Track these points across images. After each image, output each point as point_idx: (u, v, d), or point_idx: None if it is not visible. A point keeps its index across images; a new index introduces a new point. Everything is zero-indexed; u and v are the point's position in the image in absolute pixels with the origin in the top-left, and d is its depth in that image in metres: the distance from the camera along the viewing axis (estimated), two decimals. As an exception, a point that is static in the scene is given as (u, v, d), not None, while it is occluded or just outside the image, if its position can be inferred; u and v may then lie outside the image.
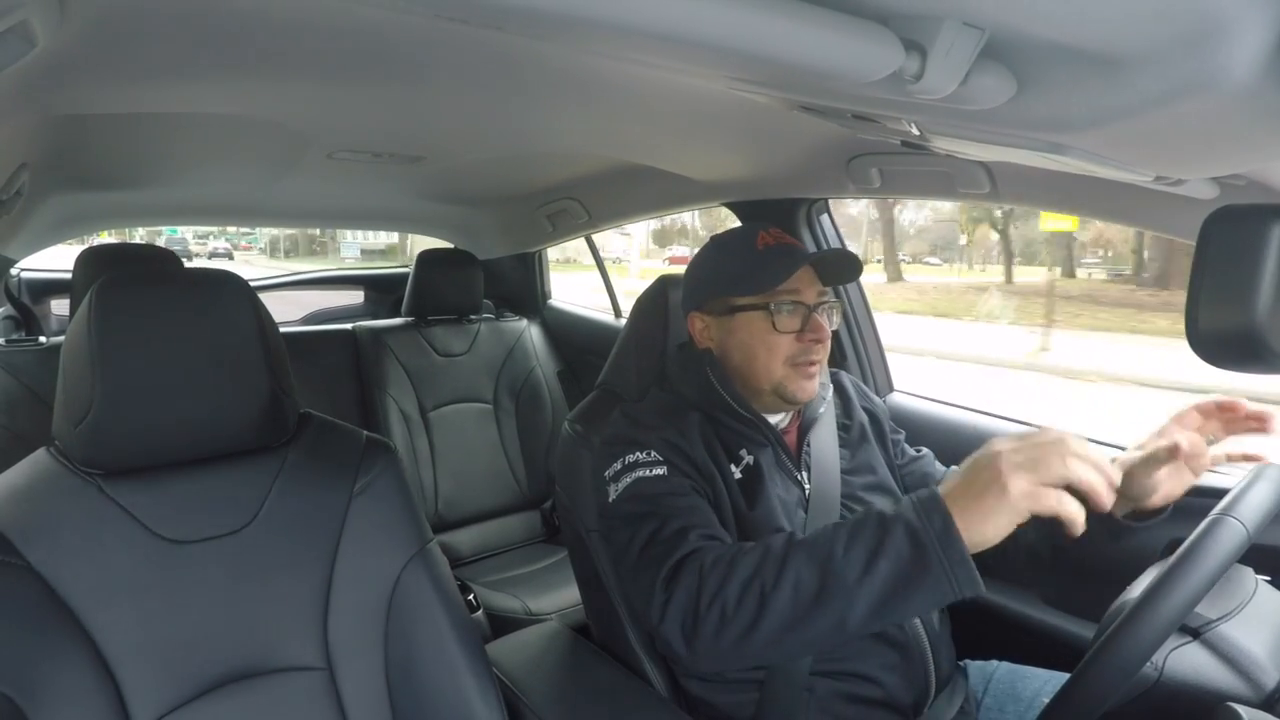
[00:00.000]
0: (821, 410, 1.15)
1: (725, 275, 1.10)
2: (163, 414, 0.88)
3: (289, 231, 28.36)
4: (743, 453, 1.07)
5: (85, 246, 1.92)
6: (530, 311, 2.83)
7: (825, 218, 1.77)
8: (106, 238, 3.37)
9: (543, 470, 2.47)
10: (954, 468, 1.27)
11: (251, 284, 0.99)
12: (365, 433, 1.08)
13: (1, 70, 0.72)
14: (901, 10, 0.53)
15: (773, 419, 1.11)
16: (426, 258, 2.49)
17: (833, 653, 1.01)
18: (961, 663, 1.18)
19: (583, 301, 2.87)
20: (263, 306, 0.97)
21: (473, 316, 2.56)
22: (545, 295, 2.93)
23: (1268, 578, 0.98)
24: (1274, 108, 0.52)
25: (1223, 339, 0.60)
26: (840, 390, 1.24)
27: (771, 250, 1.07)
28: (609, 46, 0.71)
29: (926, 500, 0.75)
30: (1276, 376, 0.60)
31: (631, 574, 0.95)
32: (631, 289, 1.87)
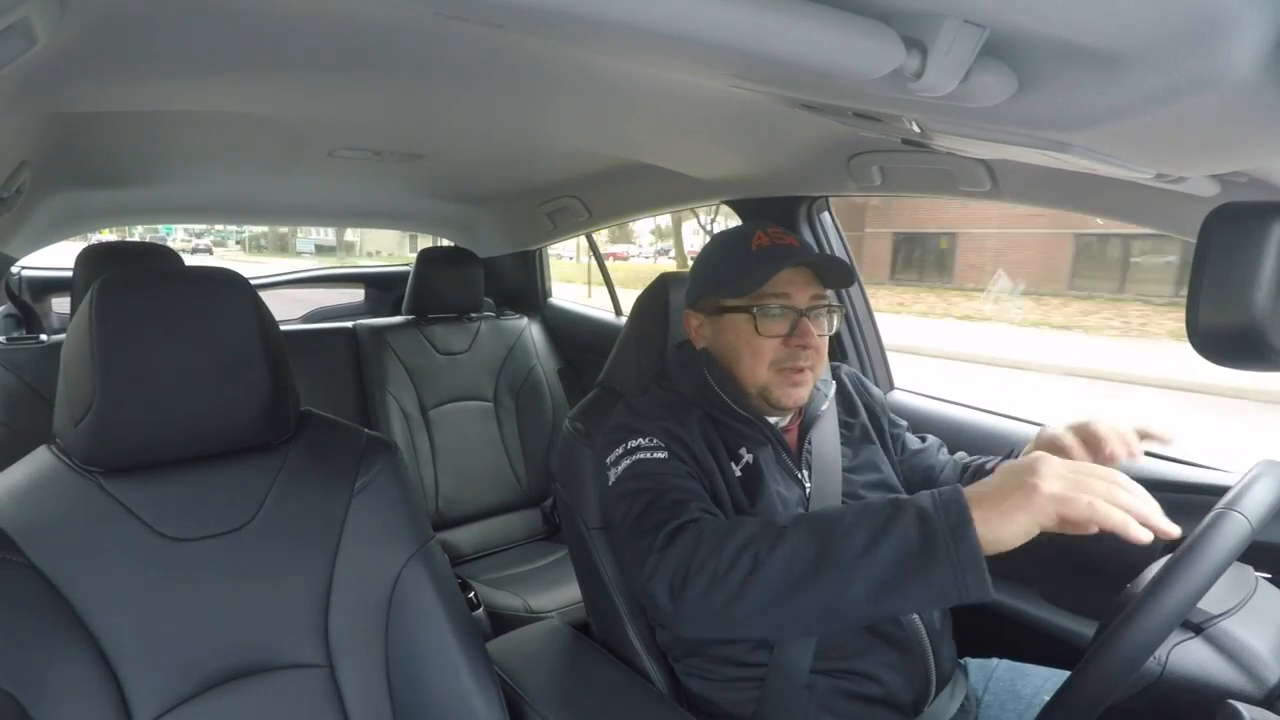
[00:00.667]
0: (824, 408, 1.14)
1: (716, 274, 1.10)
2: (163, 412, 0.88)
3: (263, 229, 28.38)
4: (742, 451, 1.07)
5: (86, 244, 1.92)
6: (531, 309, 2.83)
7: (826, 215, 1.77)
8: (108, 235, 3.37)
9: (543, 468, 2.47)
10: (961, 453, 1.27)
11: (252, 282, 0.99)
12: (366, 431, 1.08)
13: (2, 67, 0.72)
14: (902, 8, 0.53)
15: (772, 418, 1.11)
16: (427, 256, 2.49)
17: (833, 650, 1.01)
18: (962, 660, 1.18)
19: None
20: (263, 304, 0.97)
21: (473, 314, 2.56)
22: (546, 293, 2.93)
23: (1268, 575, 0.98)
24: (1275, 105, 0.52)
25: (1223, 336, 0.60)
26: (841, 387, 1.24)
27: (764, 251, 1.06)
28: (610, 45, 0.71)
29: (947, 493, 0.73)
30: (1277, 374, 0.60)
31: (627, 540, 0.94)
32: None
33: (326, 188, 2.15)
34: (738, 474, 1.05)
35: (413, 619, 0.99)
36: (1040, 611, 1.35)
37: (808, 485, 1.09)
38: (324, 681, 0.94)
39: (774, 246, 1.06)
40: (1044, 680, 1.12)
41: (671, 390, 1.15)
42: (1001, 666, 1.18)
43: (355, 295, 3.29)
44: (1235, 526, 0.80)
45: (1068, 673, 0.83)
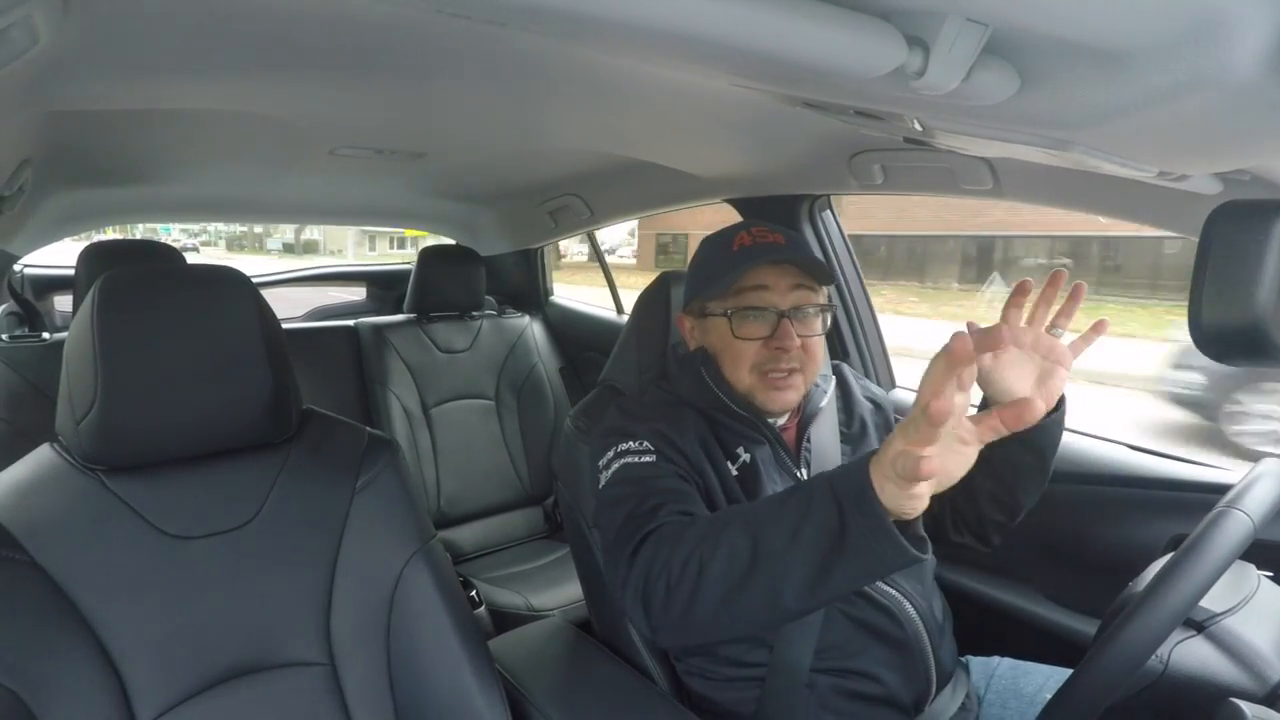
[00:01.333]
0: (822, 405, 1.14)
1: (699, 277, 1.09)
2: (166, 410, 0.88)
3: (242, 228, 28.48)
4: (739, 450, 1.06)
5: (88, 243, 1.93)
6: (532, 308, 2.83)
7: (828, 214, 1.77)
8: (112, 234, 3.38)
9: (545, 466, 2.48)
10: None
11: (253, 280, 0.99)
12: (368, 429, 1.08)
13: (4, 66, 0.72)
14: (904, 6, 0.53)
15: (770, 416, 1.11)
16: (429, 254, 2.49)
17: (833, 649, 1.01)
18: (963, 658, 1.18)
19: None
20: (265, 303, 0.97)
21: (475, 313, 2.56)
22: (547, 291, 2.93)
23: (1270, 574, 0.98)
24: (1277, 103, 0.52)
25: (1226, 334, 0.60)
26: (842, 383, 1.23)
27: (745, 250, 1.03)
28: (611, 44, 0.71)
29: (853, 462, 0.70)
30: (1280, 372, 0.60)
31: (607, 555, 0.94)
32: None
33: (328, 186, 2.15)
34: (735, 473, 1.04)
35: (414, 617, 0.99)
36: (1042, 609, 1.35)
37: (807, 484, 1.09)
38: (325, 679, 0.94)
39: (754, 245, 1.03)
40: (1046, 678, 1.12)
41: (669, 391, 1.14)
42: (1003, 665, 1.18)
43: (355, 294, 3.29)
44: (1238, 525, 0.80)
45: (1070, 671, 0.83)
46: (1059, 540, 1.33)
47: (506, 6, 0.50)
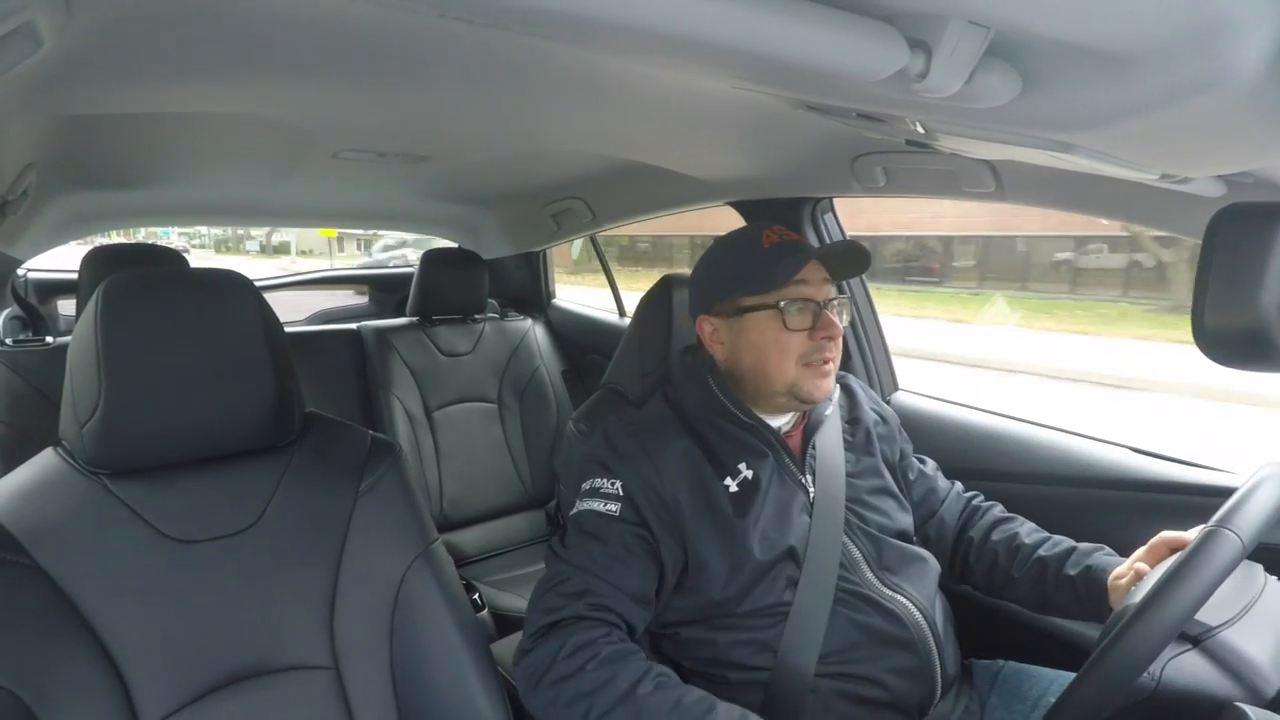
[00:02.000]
0: (827, 413, 1.14)
1: (733, 275, 1.09)
2: (169, 414, 0.88)
3: (226, 234, 28.57)
4: (741, 466, 1.06)
5: (91, 247, 1.93)
6: (535, 311, 2.83)
7: (830, 216, 1.77)
8: (116, 238, 3.39)
9: (547, 469, 2.47)
10: (958, 484, 1.27)
11: (256, 284, 0.99)
12: (370, 433, 1.08)
13: (8, 71, 0.73)
14: (906, 9, 0.53)
15: (776, 422, 1.11)
16: (431, 257, 2.49)
17: (837, 654, 1.01)
18: (967, 662, 1.17)
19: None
20: (268, 306, 0.97)
21: (477, 316, 2.56)
22: (550, 295, 2.93)
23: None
24: (1281, 105, 0.52)
25: (1229, 337, 0.60)
26: (847, 392, 1.24)
27: (778, 248, 1.06)
28: (614, 47, 0.71)
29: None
30: (1282, 375, 0.60)
31: (530, 601, 1.01)
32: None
33: (331, 189, 2.15)
34: (733, 489, 1.05)
35: (418, 620, 0.99)
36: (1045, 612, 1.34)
37: (811, 491, 1.09)
38: (329, 682, 0.94)
39: (786, 242, 1.07)
40: (1049, 682, 1.11)
41: (672, 402, 1.14)
42: (1007, 668, 1.18)
43: (357, 297, 3.30)
44: (1227, 545, 0.79)
45: (1073, 674, 0.83)
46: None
47: (509, 10, 0.50)
